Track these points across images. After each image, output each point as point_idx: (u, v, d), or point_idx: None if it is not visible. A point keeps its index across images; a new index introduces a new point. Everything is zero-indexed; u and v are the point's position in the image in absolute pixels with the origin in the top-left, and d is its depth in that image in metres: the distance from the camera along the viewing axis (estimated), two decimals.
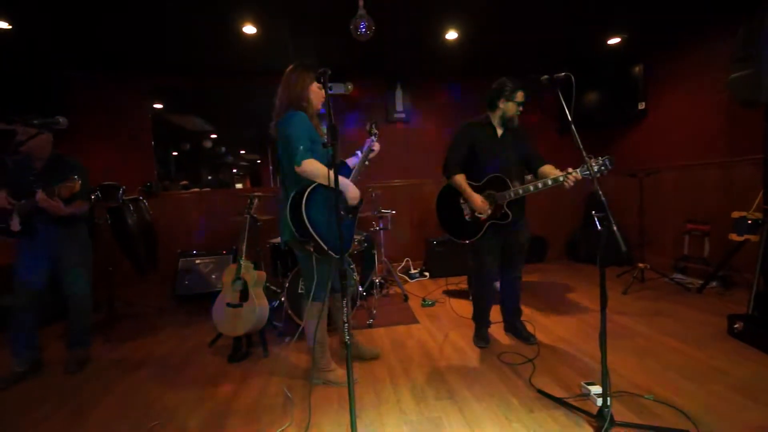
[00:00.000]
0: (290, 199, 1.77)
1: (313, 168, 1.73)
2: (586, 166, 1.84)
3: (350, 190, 1.85)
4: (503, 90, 2.26)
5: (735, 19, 3.05)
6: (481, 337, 2.43)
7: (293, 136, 1.74)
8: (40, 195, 2.08)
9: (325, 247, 1.75)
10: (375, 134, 2.06)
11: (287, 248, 2.89)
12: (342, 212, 1.83)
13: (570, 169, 2.00)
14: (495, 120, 2.35)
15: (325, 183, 1.73)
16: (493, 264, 2.38)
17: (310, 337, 1.99)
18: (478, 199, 2.24)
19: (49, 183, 2.12)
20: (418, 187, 4.67)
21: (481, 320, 2.47)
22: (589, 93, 4.44)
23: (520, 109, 2.28)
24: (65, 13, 2.75)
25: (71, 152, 2.47)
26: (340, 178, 1.79)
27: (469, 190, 2.26)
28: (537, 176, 2.27)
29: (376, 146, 2.06)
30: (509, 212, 2.22)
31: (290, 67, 1.89)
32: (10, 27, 2.88)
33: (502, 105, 2.29)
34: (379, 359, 2.30)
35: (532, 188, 2.14)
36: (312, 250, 1.81)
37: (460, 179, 2.30)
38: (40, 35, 3.11)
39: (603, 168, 1.86)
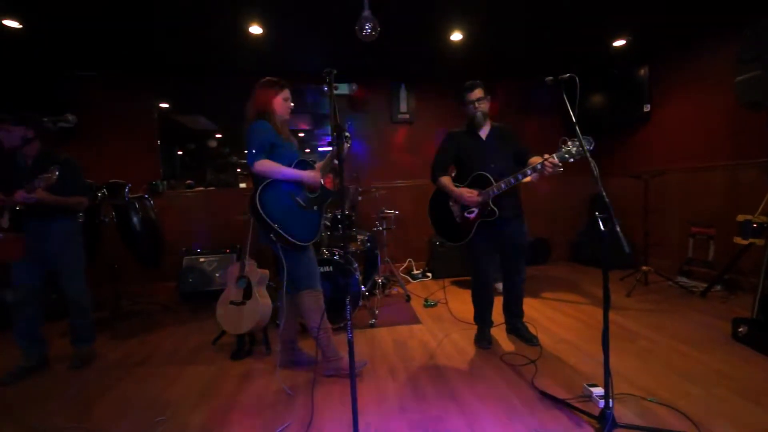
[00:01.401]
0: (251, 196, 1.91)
1: (264, 167, 1.90)
2: (563, 149, 1.89)
3: (306, 179, 1.96)
4: (459, 96, 2.33)
5: (741, 21, 3.04)
6: (484, 338, 2.43)
7: (250, 142, 1.93)
8: (18, 195, 2.07)
9: (286, 236, 1.87)
10: (347, 136, 2.10)
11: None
12: (303, 203, 1.97)
13: (546, 155, 1.99)
14: (471, 125, 2.37)
15: (280, 178, 1.92)
16: (490, 266, 2.38)
17: (312, 327, 2.02)
18: (464, 191, 2.25)
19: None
20: (422, 188, 4.66)
21: (482, 322, 2.48)
22: (595, 95, 4.43)
23: (479, 105, 2.28)
24: (74, 13, 2.78)
25: (79, 150, 2.51)
26: (296, 171, 1.96)
27: (453, 187, 2.30)
28: None
29: (346, 145, 2.09)
30: (495, 209, 2.21)
31: (258, 82, 2.06)
32: (21, 27, 2.92)
33: (464, 110, 2.36)
34: (381, 359, 2.30)
35: (513, 180, 2.13)
36: (275, 239, 1.90)
37: (445, 180, 2.34)
38: (50, 36, 3.15)
39: (581, 149, 1.83)
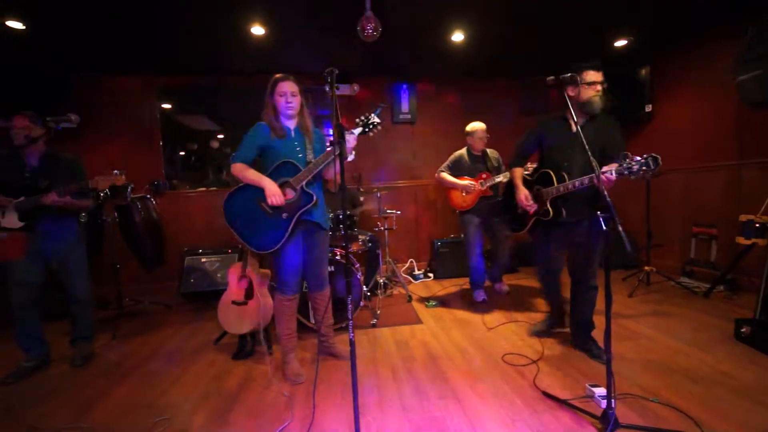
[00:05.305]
0: None
1: (234, 171, 1.95)
2: (624, 165, 1.71)
3: (267, 189, 1.89)
4: (570, 76, 1.84)
5: (741, 20, 3.04)
6: (554, 323, 2.52)
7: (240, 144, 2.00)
8: (50, 198, 2.13)
9: (241, 240, 1.95)
10: (372, 123, 1.93)
11: None
12: (269, 210, 1.92)
13: (606, 168, 1.80)
14: (569, 113, 1.88)
15: (247, 182, 1.95)
16: (549, 256, 2.31)
17: (276, 330, 2.14)
18: (521, 194, 2.25)
19: (55, 181, 2.17)
20: (423, 188, 4.68)
21: (549, 303, 2.56)
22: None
23: (597, 89, 1.98)
24: (77, 14, 2.79)
25: (81, 150, 2.52)
26: (258, 178, 1.91)
27: (518, 184, 2.29)
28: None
29: (350, 139, 1.91)
30: (550, 209, 2.14)
31: None
32: (24, 28, 2.93)
33: (572, 93, 2.01)
34: (383, 359, 2.30)
35: (570, 186, 2.00)
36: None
37: (516, 172, 2.34)
38: (53, 36, 3.16)
39: (644, 168, 1.64)
